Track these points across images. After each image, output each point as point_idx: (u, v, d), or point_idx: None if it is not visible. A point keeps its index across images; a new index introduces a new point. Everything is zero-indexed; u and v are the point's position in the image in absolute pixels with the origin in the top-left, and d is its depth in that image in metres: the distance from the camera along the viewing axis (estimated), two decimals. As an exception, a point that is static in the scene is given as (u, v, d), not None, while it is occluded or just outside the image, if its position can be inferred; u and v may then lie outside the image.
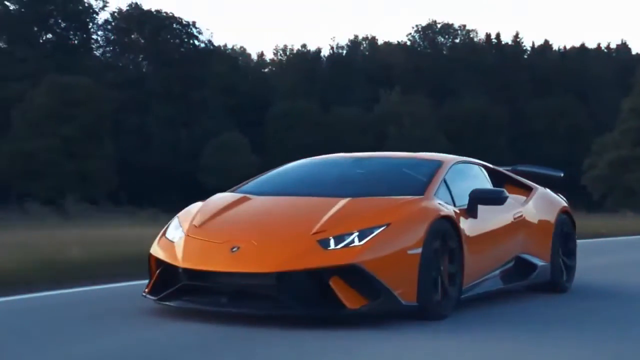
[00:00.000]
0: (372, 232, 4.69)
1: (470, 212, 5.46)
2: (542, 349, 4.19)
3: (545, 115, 52.26)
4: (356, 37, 60.63)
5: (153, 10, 49.95)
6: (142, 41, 49.80)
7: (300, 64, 55.98)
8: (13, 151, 38.60)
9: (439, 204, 5.17)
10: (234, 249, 4.65)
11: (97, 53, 50.85)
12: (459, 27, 59.36)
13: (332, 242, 4.64)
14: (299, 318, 4.56)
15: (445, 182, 5.54)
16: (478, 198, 5.46)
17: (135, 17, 49.82)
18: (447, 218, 5.07)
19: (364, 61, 56.46)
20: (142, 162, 43.94)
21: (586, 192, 42.30)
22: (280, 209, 5.14)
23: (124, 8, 50.80)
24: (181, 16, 54.40)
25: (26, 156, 38.40)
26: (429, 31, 59.09)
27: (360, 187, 5.49)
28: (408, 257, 4.72)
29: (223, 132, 44.31)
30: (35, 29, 47.17)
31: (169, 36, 49.76)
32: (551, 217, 6.61)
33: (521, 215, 6.23)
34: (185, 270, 4.69)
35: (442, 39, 59.49)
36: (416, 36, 59.20)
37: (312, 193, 5.31)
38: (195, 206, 5.33)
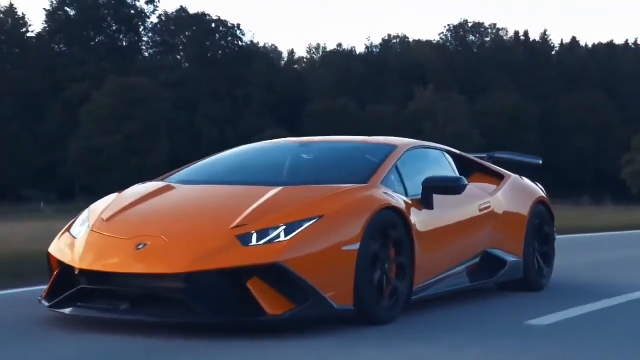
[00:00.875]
0: (301, 226, 4.04)
1: (425, 202, 4.82)
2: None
3: (574, 111, 54.06)
4: (389, 36, 62.89)
5: (199, 12, 53.64)
6: (189, 43, 53.31)
7: (336, 62, 57.95)
8: (82, 148, 42.72)
9: (385, 193, 4.51)
10: (140, 246, 4.00)
11: (147, 55, 54.60)
12: (490, 25, 61.66)
13: (254, 237, 3.99)
14: (213, 326, 3.94)
15: (397, 168, 4.88)
16: (432, 187, 4.81)
17: (182, 20, 53.37)
18: (393, 209, 4.43)
19: (397, 60, 58.48)
20: (194, 158, 45.49)
21: (625, 186, 44.43)
22: (202, 199, 4.50)
23: (170, 11, 54.63)
24: (226, 18, 58.69)
25: (94, 152, 42.29)
26: (460, 30, 61.30)
27: (300, 174, 4.86)
28: (342, 254, 4.08)
29: (266, 129, 45.60)
30: (92, 33, 51.09)
31: (216, 36, 53.12)
32: (524, 208, 5.96)
33: (489, 206, 5.58)
34: (83, 271, 4.05)
35: (473, 38, 61.79)
36: (448, 35, 61.38)
37: (243, 181, 4.68)
38: (112, 197, 4.71)
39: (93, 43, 51.41)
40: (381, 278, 4.30)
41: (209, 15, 53.46)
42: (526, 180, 6.35)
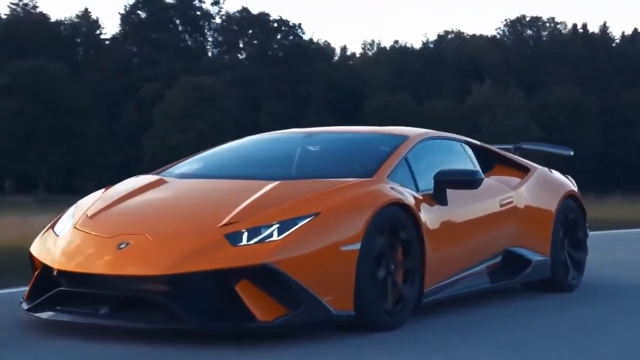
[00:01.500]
0: (296, 224, 3.69)
1: (437, 198, 4.44)
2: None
3: (636, 104, 52.88)
4: (446, 32, 63.06)
5: (262, 12, 55.39)
6: (252, 42, 55.02)
7: (392, 58, 58.67)
8: (156, 145, 43.95)
9: (391, 188, 4.15)
10: (122, 246, 3.69)
11: (210, 54, 56.35)
12: (548, 19, 61.11)
13: (244, 236, 3.65)
14: (200, 333, 3.63)
15: (407, 161, 4.51)
16: (445, 181, 4.42)
17: (245, 19, 54.90)
18: (400, 205, 4.06)
19: (452, 55, 58.61)
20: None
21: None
22: (194, 195, 4.17)
23: (232, 12, 56.79)
24: (285, 17, 60.36)
25: (168, 149, 42.90)
26: (517, 24, 61.20)
27: (300, 167, 4.51)
28: (341, 254, 3.73)
29: (326, 126, 45.62)
30: (162, 34, 52.97)
31: (277, 35, 54.59)
32: (552, 203, 5.54)
33: (511, 201, 5.17)
34: (61, 272, 3.76)
35: (530, 32, 61.55)
36: (505, 30, 61.53)
37: (241, 175, 4.35)
38: (100, 192, 4.42)
39: (163, 44, 53.57)
40: (386, 280, 3.94)
41: (270, 15, 55.38)
42: (555, 173, 5.93)
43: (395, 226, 4.02)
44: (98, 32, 54.93)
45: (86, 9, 56.17)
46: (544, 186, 5.59)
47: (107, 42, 54.29)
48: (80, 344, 3.56)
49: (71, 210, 4.22)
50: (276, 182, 4.09)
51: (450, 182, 4.42)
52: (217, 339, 3.63)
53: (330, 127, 5.32)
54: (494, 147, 5.73)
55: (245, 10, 55.73)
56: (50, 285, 3.81)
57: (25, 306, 3.89)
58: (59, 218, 4.22)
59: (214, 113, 45.01)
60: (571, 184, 5.93)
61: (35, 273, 3.95)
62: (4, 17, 51.99)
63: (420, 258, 4.15)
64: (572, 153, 6.65)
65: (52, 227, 4.14)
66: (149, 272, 3.58)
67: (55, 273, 3.78)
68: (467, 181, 4.45)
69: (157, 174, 4.65)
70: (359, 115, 49.60)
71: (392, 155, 4.43)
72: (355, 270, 3.75)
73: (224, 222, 3.74)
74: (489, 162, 5.49)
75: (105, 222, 3.95)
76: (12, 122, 43.41)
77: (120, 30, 53.75)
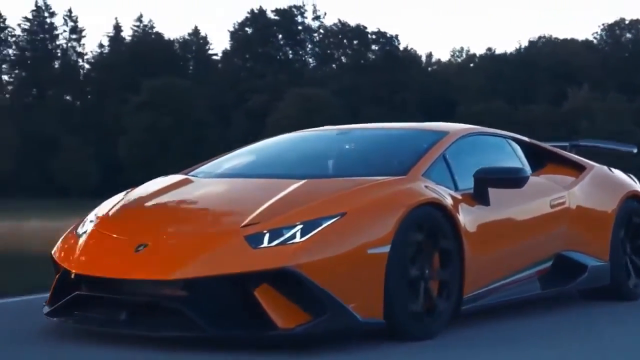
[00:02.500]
0: (320, 225, 3.46)
1: (478, 197, 4.14)
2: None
3: None
4: (540, 37, 63.98)
5: (359, 25, 59.02)
6: (350, 52, 58.87)
7: (484, 64, 60.28)
8: None
9: (425, 186, 3.87)
10: (140, 248, 3.53)
11: (311, 66, 60.77)
12: None
13: (266, 237, 3.44)
14: (219, 341, 3.44)
15: (445, 158, 4.23)
16: (486, 179, 4.12)
17: (343, 32, 58.82)
18: (434, 205, 3.79)
19: (546, 60, 59.37)
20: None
21: None
22: (216, 194, 3.98)
23: (329, 24, 61.23)
24: (385, 30, 65.86)
25: None
26: (616, 28, 61.29)
27: (332, 166, 4.28)
28: (369, 258, 3.48)
29: None
30: (268, 48, 57.83)
31: (373, 46, 58.28)
32: (611, 204, 5.15)
33: (563, 202, 4.82)
34: (79, 275, 3.63)
35: (629, 35, 61.46)
36: (602, 34, 61.50)
37: (267, 174, 4.15)
38: (124, 192, 4.28)
39: (268, 58, 57.95)
40: (418, 286, 3.66)
41: (367, 27, 58.95)
42: (615, 172, 5.53)
43: (429, 228, 3.74)
44: (207, 47, 59.98)
45: (196, 27, 63.06)
46: (601, 185, 5.20)
47: (214, 57, 59.31)
48: (96, 349, 3.41)
49: (94, 211, 4.11)
50: (302, 181, 3.88)
51: (491, 180, 4.11)
52: (236, 347, 3.43)
53: (369, 124, 5.07)
54: (546, 145, 5.38)
55: (342, 23, 58.82)
56: (70, 289, 3.68)
57: (45, 310, 3.78)
58: (82, 220, 4.10)
59: (323, 121, 48.71)
60: (634, 184, 5.52)
61: (56, 277, 3.84)
62: (128, 39, 57.72)
63: (459, 262, 3.86)
64: (635, 150, 6.22)
65: (75, 229, 4.02)
66: (165, 276, 3.41)
67: (73, 276, 3.65)
68: (510, 179, 4.14)
69: (186, 173, 4.50)
70: (454, 120, 51.57)
71: (428, 152, 4.16)
72: (384, 275, 3.49)
73: (244, 222, 3.54)
74: (540, 160, 5.14)
75: (125, 223, 3.81)
76: (147, 135, 47.85)
77: (231, 45, 58.79)
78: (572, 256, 4.80)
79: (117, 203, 4.06)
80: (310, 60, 60.41)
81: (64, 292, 3.69)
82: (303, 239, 3.42)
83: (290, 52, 59.42)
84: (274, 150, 4.73)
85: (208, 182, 4.19)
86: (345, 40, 59.12)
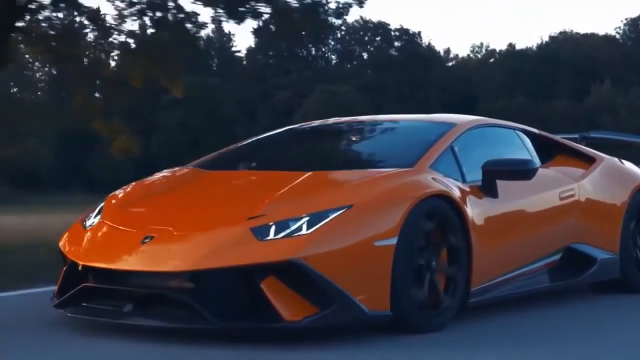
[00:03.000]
0: (327, 217, 3.44)
1: (487, 189, 4.11)
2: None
3: None
4: (561, 32, 63.77)
5: (381, 22, 59.70)
6: (373, 50, 59.49)
7: (506, 60, 59.96)
8: None
9: (433, 178, 3.85)
10: (146, 240, 3.52)
11: (334, 63, 61.21)
12: None
13: (272, 229, 3.42)
14: (225, 332, 3.43)
15: (452, 150, 4.20)
16: (494, 171, 4.09)
17: (365, 29, 59.25)
18: (441, 197, 3.77)
19: (568, 55, 59.19)
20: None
21: None
22: (223, 186, 3.98)
23: (351, 22, 61.16)
24: (408, 27, 66.87)
25: None
26: (639, 23, 61.01)
27: (339, 158, 4.27)
28: (376, 250, 3.46)
29: None
30: (291, 46, 57.74)
31: (395, 43, 59.02)
32: (621, 196, 5.11)
33: (572, 194, 4.79)
34: (86, 267, 3.63)
35: None
36: (626, 29, 61.25)
37: (275, 166, 4.14)
38: (132, 185, 4.28)
39: (292, 55, 58.65)
40: (426, 279, 3.65)
41: (389, 24, 59.55)
42: (626, 164, 5.48)
43: (437, 220, 3.72)
44: (230, 44, 60.77)
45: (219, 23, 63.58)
46: (611, 177, 5.16)
47: (237, 54, 60.36)
48: (103, 340, 3.42)
49: (101, 204, 4.11)
50: (309, 173, 3.86)
51: (499, 172, 4.09)
52: (242, 340, 3.43)
53: (376, 116, 5.05)
54: (555, 136, 5.34)
55: (364, 20, 59.44)
56: (77, 281, 3.69)
57: (53, 302, 3.79)
58: (89, 212, 4.11)
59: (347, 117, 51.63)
60: (645, 175, 5.48)
61: (63, 268, 3.85)
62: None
63: (466, 255, 3.84)
64: None
65: (82, 221, 4.02)
66: (171, 268, 3.40)
67: (80, 268, 3.66)
68: (518, 171, 4.11)
69: (193, 166, 4.50)
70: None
71: (436, 144, 4.13)
72: (391, 267, 3.48)
73: (251, 215, 3.53)
74: (550, 152, 5.10)
75: (132, 215, 3.81)
76: (179, 131, 49.28)
77: (255, 42, 59.33)
78: (581, 249, 4.77)
79: (124, 195, 4.06)
80: (332, 57, 61.43)
81: (71, 284, 3.69)
82: (309, 231, 3.40)
83: (312, 49, 60.24)
84: (280, 143, 4.71)
85: (214, 175, 4.19)
86: (366, 37, 60.00)
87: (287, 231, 3.42)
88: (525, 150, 4.80)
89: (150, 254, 3.48)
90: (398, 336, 3.54)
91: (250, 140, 4.81)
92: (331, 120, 5.01)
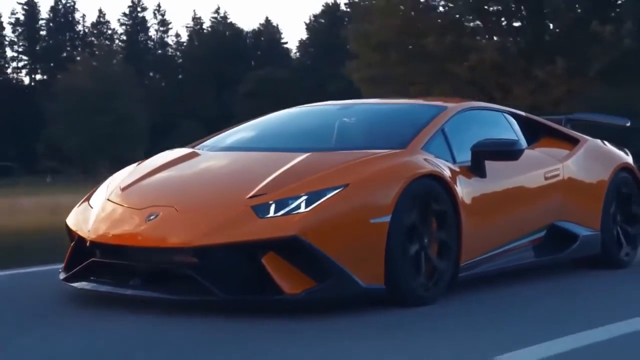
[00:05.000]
0: (324, 196, 3.64)
1: (475, 170, 4.31)
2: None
3: None
4: None
5: None
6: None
7: None
8: None
9: (425, 159, 4.04)
10: (151, 217, 3.71)
11: None
12: None
13: (272, 208, 3.62)
14: (227, 305, 3.62)
15: (443, 132, 4.39)
16: (482, 152, 4.29)
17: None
18: (433, 177, 3.96)
19: None
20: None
21: None
22: (223, 167, 4.16)
23: None
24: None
25: None
26: None
27: (334, 139, 4.45)
28: (371, 227, 3.66)
29: None
30: (337, 40, 58.45)
31: None
32: (603, 176, 5.32)
33: (557, 174, 4.99)
34: (94, 243, 3.81)
35: None
36: None
37: (272, 147, 4.32)
38: (134, 165, 4.45)
39: (341, 47, 61.22)
40: (418, 254, 3.85)
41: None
42: (608, 145, 5.69)
43: (428, 199, 3.92)
44: (278, 37, 63.42)
45: (267, 18, 67.85)
46: (594, 158, 5.37)
47: (285, 45, 63.16)
48: (111, 314, 3.61)
49: (106, 182, 4.27)
50: (306, 154, 4.04)
51: (488, 153, 4.28)
52: (245, 311, 3.63)
53: (369, 99, 5.22)
54: (541, 119, 5.54)
55: None
56: (84, 256, 3.87)
57: (61, 276, 3.97)
58: (94, 190, 4.27)
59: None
60: (626, 156, 5.69)
61: (71, 244, 4.02)
62: (206, 30, 62.59)
63: (456, 232, 4.05)
64: (628, 123, 6.38)
65: (88, 199, 4.20)
66: (176, 244, 3.59)
67: (88, 244, 3.83)
68: (506, 152, 4.31)
69: (192, 147, 4.67)
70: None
71: (427, 126, 4.32)
72: (385, 243, 3.68)
73: (251, 193, 3.72)
74: (536, 133, 5.30)
75: (136, 194, 3.98)
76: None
77: (307, 37, 62.22)
78: (565, 226, 4.98)
79: (128, 175, 4.23)
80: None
81: (79, 259, 3.88)
82: (308, 209, 3.60)
83: None
84: (278, 124, 4.88)
85: (215, 155, 4.37)
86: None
87: (287, 209, 3.62)
88: (513, 132, 4.99)
89: (156, 230, 3.66)
90: (392, 310, 3.75)
91: (250, 122, 4.98)
92: (328, 103, 5.18)
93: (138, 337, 3.25)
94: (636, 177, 5.61)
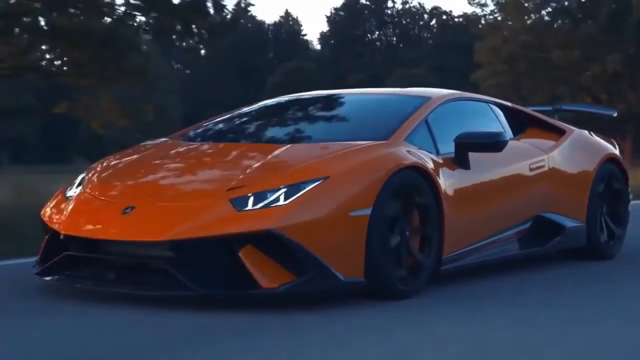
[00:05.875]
0: (303, 188, 3.56)
1: (459, 161, 4.24)
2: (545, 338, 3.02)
3: None
4: None
5: (435, 6, 65.77)
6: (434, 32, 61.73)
7: None
8: None
9: (407, 151, 3.97)
10: (127, 210, 3.62)
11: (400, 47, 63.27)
12: None
13: (250, 201, 3.54)
14: (206, 300, 3.55)
15: (427, 123, 4.32)
16: (466, 143, 4.22)
17: (421, 12, 62.61)
18: (416, 169, 3.89)
19: None
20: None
21: None
22: (203, 158, 4.08)
23: (407, 6, 63.89)
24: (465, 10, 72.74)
25: None
26: None
27: (316, 130, 4.37)
28: (351, 220, 3.59)
29: None
30: (359, 32, 61.45)
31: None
32: (589, 167, 5.27)
33: (542, 165, 4.94)
34: (68, 237, 3.72)
35: None
36: None
37: (253, 138, 4.24)
38: (113, 155, 4.36)
39: (362, 40, 61.17)
40: (399, 247, 3.79)
41: (441, 7, 66.27)
42: (594, 136, 5.64)
43: (410, 191, 3.85)
44: (298, 29, 63.98)
45: (286, 10, 68.68)
46: (580, 149, 5.32)
47: (303, 37, 63.44)
48: (84, 307, 3.53)
49: (83, 174, 4.18)
50: (287, 146, 3.96)
51: (471, 144, 4.22)
52: (223, 306, 3.56)
53: (355, 89, 5.14)
54: (527, 109, 5.48)
55: (421, 5, 63.62)
56: (59, 250, 3.78)
57: (35, 270, 3.88)
58: (71, 182, 4.18)
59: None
60: (612, 147, 5.64)
61: (46, 237, 3.93)
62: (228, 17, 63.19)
63: (439, 224, 3.98)
64: (615, 114, 6.34)
65: (63, 192, 4.11)
66: (152, 237, 3.51)
67: (61, 237, 3.75)
68: (489, 144, 4.24)
69: (173, 138, 4.58)
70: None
71: (411, 117, 4.24)
72: (366, 236, 3.61)
73: (230, 186, 3.64)
74: (522, 124, 5.24)
75: (113, 186, 3.89)
76: None
77: (327, 29, 62.84)
78: (550, 217, 4.93)
79: (105, 166, 4.14)
80: (394, 41, 63.08)
81: (54, 253, 3.79)
82: (287, 202, 3.52)
83: (377, 33, 62.41)
84: (259, 116, 4.80)
85: (194, 146, 4.28)
86: (421, 22, 61.85)
87: (265, 202, 3.53)
88: (498, 123, 4.93)
89: (131, 223, 3.57)
90: (373, 302, 3.69)
91: (230, 113, 4.89)
92: (310, 94, 5.10)
93: (112, 332, 3.18)
94: (622, 168, 5.57)
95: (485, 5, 33.75)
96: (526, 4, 31.39)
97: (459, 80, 53.95)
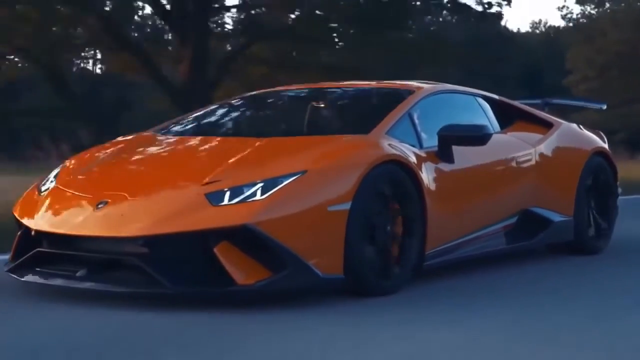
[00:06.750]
0: (281, 183, 3.48)
1: (442, 155, 4.16)
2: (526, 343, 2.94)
3: None
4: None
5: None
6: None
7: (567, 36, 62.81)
8: None
9: (388, 144, 3.88)
10: (100, 205, 3.53)
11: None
12: None
13: (226, 196, 3.44)
14: (181, 297, 3.46)
15: (410, 116, 4.23)
16: (449, 136, 4.13)
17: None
18: (396, 162, 3.80)
19: None
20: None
21: None
22: (179, 152, 3.99)
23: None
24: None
25: None
26: None
27: (296, 124, 4.28)
28: (329, 215, 3.49)
29: None
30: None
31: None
32: (577, 160, 5.20)
33: (529, 159, 4.86)
34: (39, 232, 3.64)
35: None
36: None
37: (232, 132, 4.15)
38: (89, 150, 4.27)
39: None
40: (380, 242, 3.70)
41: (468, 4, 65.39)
42: (583, 130, 5.57)
43: (391, 185, 3.76)
44: None
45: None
46: (568, 142, 5.24)
47: None
48: (56, 305, 3.44)
49: (57, 169, 4.09)
50: (265, 140, 3.87)
51: (455, 137, 4.13)
52: (200, 304, 3.47)
53: (339, 82, 5.05)
54: (515, 102, 5.39)
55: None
56: (31, 246, 3.69)
57: (6, 268, 3.79)
58: (44, 178, 4.09)
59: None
60: (600, 141, 5.57)
61: (18, 234, 3.84)
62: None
63: (421, 219, 3.90)
64: (604, 107, 6.26)
65: (37, 187, 4.01)
66: (125, 233, 3.41)
67: (33, 233, 3.65)
68: (473, 137, 4.15)
69: (154, 131, 4.49)
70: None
71: (393, 110, 4.15)
72: (344, 231, 3.52)
73: (206, 180, 3.55)
74: (510, 117, 5.16)
75: (86, 180, 3.80)
76: None
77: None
78: (537, 212, 4.85)
79: (80, 161, 4.05)
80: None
81: (26, 249, 3.69)
82: (263, 197, 3.43)
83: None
84: (238, 109, 4.71)
85: (172, 140, 4.19)
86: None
87: (242, 197, 3.44)
88: (485, 116, 4.84)
89: (105, 219, 3.48)
90: (352, 299, 3.61)
91: (208, 107, 4.80)
92: (289, 87, 5.00)
93: (84, 330, 3.09)
94: (611, 162, 5.50)
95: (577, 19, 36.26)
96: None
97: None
